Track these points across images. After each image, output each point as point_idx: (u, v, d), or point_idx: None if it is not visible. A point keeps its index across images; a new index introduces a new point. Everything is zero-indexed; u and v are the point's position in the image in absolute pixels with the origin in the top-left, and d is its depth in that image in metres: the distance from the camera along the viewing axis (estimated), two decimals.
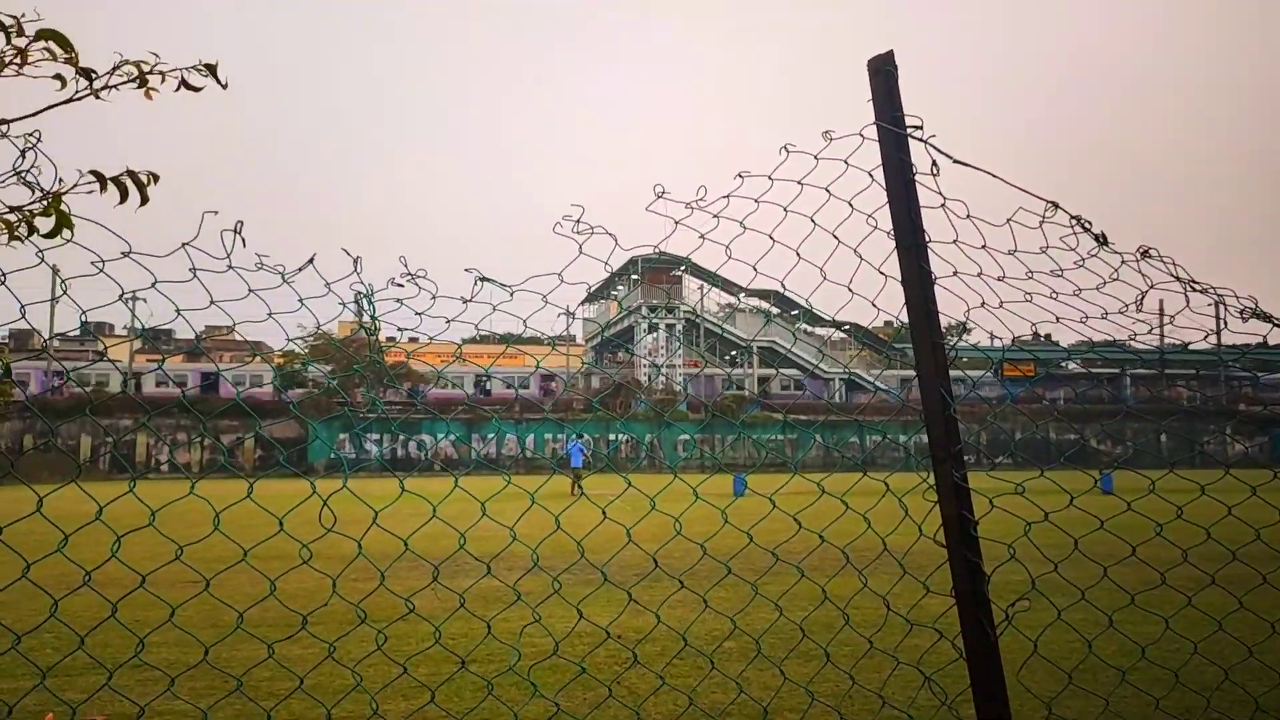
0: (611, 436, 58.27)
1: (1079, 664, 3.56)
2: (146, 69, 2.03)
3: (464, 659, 3.10)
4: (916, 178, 3.34)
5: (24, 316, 2.84)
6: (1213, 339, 3.50)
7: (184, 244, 3.00)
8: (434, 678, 4.45)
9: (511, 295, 3.59)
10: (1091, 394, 68.81)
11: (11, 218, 2.06)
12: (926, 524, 2.92)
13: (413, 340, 3.57)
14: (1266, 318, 3.29)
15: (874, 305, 3.41)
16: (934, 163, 3.30)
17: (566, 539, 3.08)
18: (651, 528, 2.82)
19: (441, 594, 3.63)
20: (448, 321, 3.52)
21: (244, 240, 3.06)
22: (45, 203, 2.10)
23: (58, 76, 1.87)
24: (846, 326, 68.48)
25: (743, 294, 63.03)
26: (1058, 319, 3.41)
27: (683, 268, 62.69)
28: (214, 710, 3.74)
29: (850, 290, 3.42)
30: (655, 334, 66.99)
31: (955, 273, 3.33)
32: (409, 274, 3.48)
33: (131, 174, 2.10)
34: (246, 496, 2.75)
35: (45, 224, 2.32)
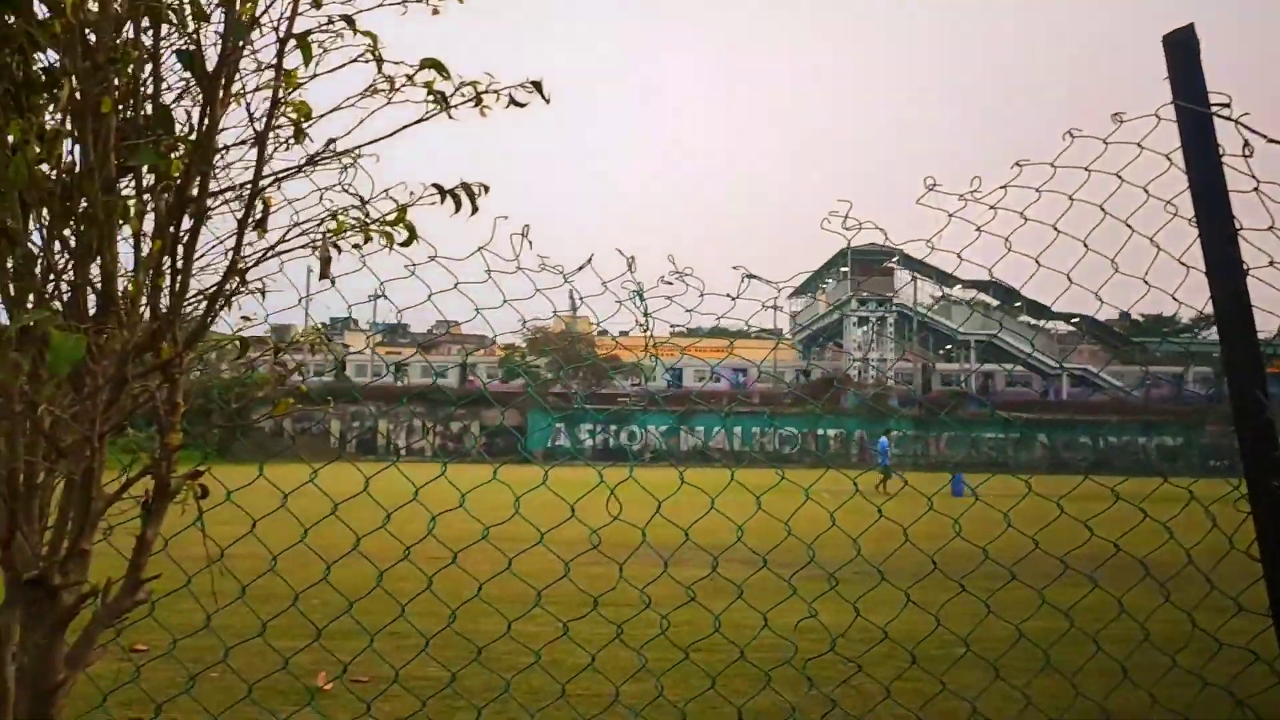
0: (820, 432, 57.41)
1: None
2: (481, 89, 2.22)
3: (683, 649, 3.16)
4: (1224, 159, 3.10)
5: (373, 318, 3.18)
6: None
7: (479, 248, 3.26)
8: (662, 663, 4.62)
9: (779, 291, 3.64)
10: None
11: (375, 229, 2.30)
12: (1229, 542, 2.70)
13: (624, 333, 3.70)
14: None
15: (1174, 299, 3.19)
16: (1246, 143, 3.04)
17: (808, 533, 3.09)
18: (924, 526, 2.77)
19: (671, 583, 3.70)
20: (717, 318, 3.62)
21: (530, 243, 3.27)
22: (395, 214, 2.33)
23: (439, 97, 2.08)
24: (1076, 319, 63.92)
25: (959, 286, 60.26)
26: None
27: (895, 259, 60.69)
28: (461, 676, 4.00)
29: (1146, 282, 3.21)
30: (865, 327, 65.29)
31: (1272, 263, 3.06)
32: (677, 272, 3.60)
33: (465, 186, 2.29)
34: (542, 483, 2.95)
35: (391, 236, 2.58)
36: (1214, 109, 3.11)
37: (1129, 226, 3.23)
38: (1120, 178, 3.25)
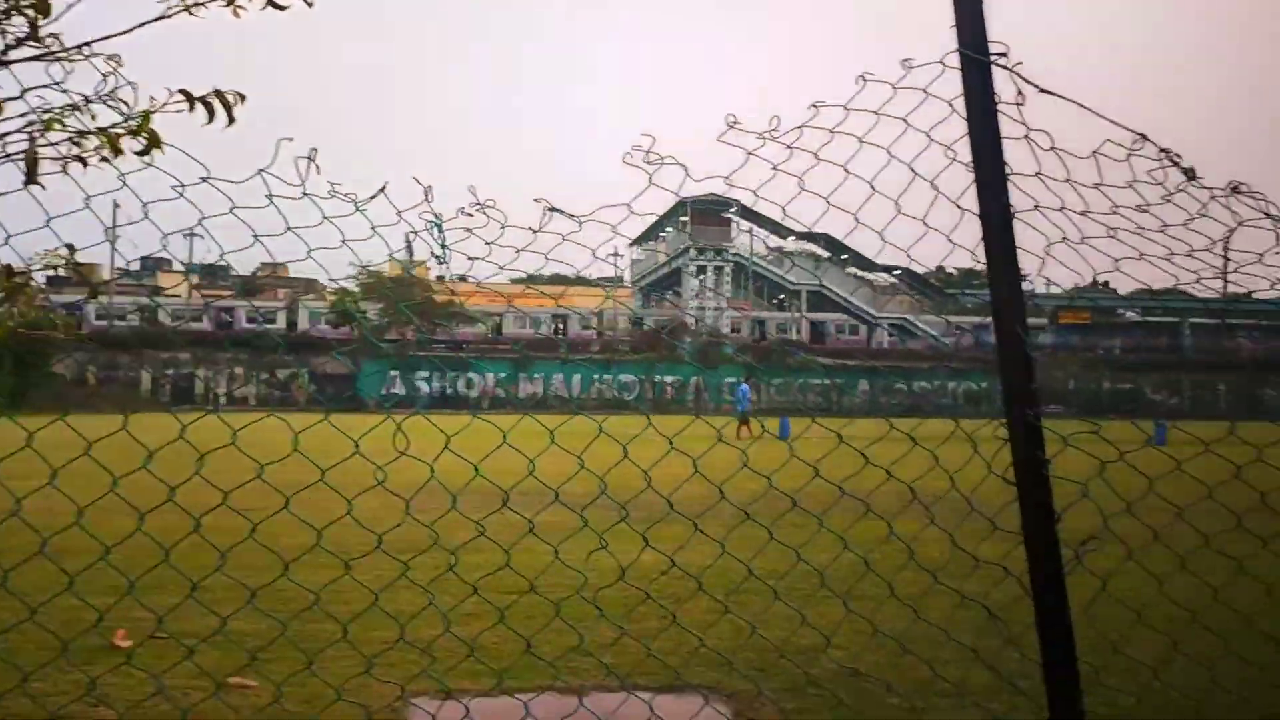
0: (656, 379, 58.43)
1: (1148, 604, 3.54)
2: None
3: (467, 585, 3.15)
4: (999, 107, 3.24)
5: (112, 240, 2.90)
6: None
7: (260, 170, 3.03)
8: (498, 602, 4.59)
9: (580, 226, 3.58)
10: (1150, 343, 67.20)
11: (98, 140, 2.08)
12: (992, 464, 2.90)
13: (461, 279, 3.58)
14: None
15: (950, 240, 3.34)
16: (1019, 91, 3.19)
17: (628, 477, 3.11)
18: (711, 469, 2.85)
19: (472, 526, 3.61)
20: (517, 251, 3.52)
21: (318, 168, 3.07)
22: (134, 123, 2.12)
23: None
24: (898, 271, 67.47)
25: (793, 238, 62.34)
26: (1141, 255, 3.32)
27: (733, 209, 61.95)
28: (291, 623, 3.84)
29: (925, 224, 3.35)
30: (703, 276, 66.61)
31: (1036, 206, 3.24)
32: (478, 204, 3.49)
33: (219, 94, 2.11)
34: (321, 421, 2.81)
35: (121, 148, 2.34)
36: (993, 58, 3.23)
37: (912, 170, 3.35)
38: (906, 122, 3.34)
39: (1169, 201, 3.24)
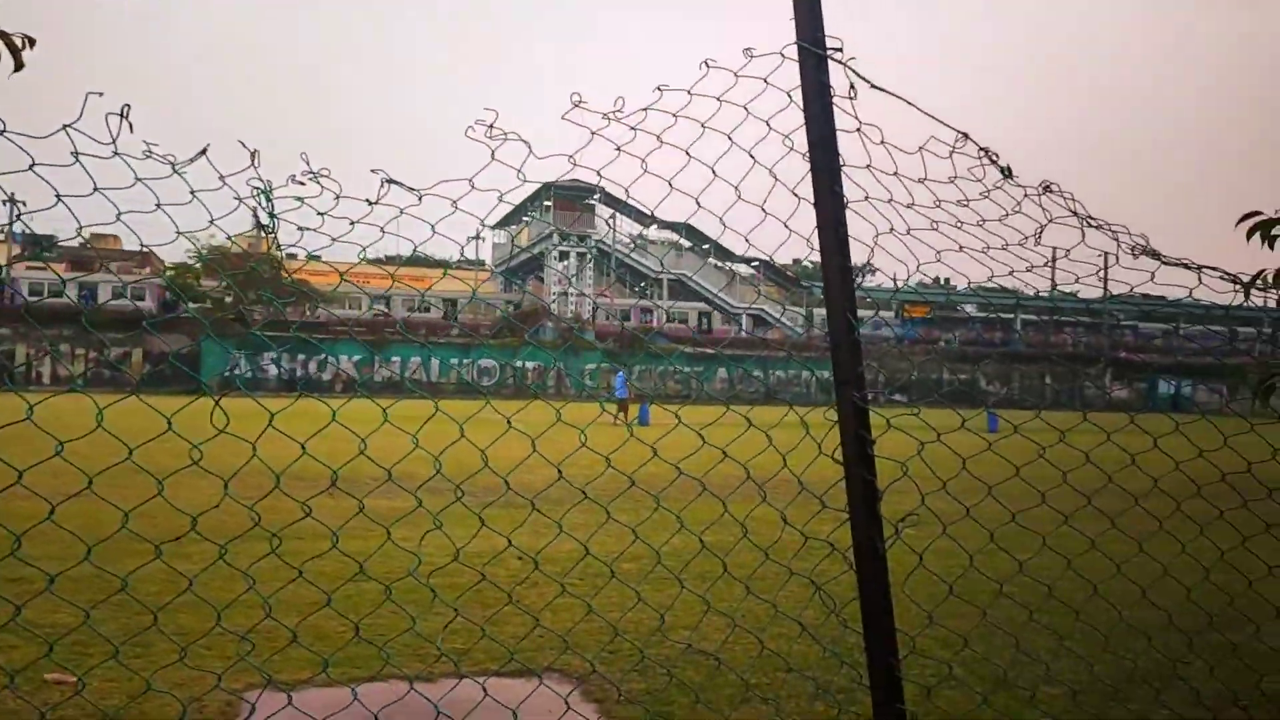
0: (518, 363, 58.01)
1: (960, 577, 3.76)
2: None
3: (306, 561, 3.05)
4: (834, 100, 3.34)
5: None
6: (1102, 277, 3.67)
7: (65, 125, 2.79)
8: (330, 586, 4.44)
9: (420, 199, 3.47)
10: (984, 336, 71.52)
11: None
12: (825, 447, 3.00)
13: (314, 258, 3.42)
14: (1155, 255, 3.44)
15: (786, 226, 3.42)
16: (852, 86, 3.30)
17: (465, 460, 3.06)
18: (558, 452, 2.85)
19: (321, 513, 3.46)
20: (351, 223, 3.38)
21: (131, 125, 2.86)
22: None
23: None
24: (755, 262, 69.16)
25: (654, 225, 62.91)
26: (961, 247, 3.50)
27: (596, 196, 61.99)
28: (96, 611, 3.59)
29: (764, 210, 3.43)
30: (565, 261, 66.47)
31: (867, 197, 3.36)
32: (311, 172, 3.32)
33: (3, 35, 1.93)
34: (131, 394, 2.63)
35: None
36: (828, 52, 3.33)
37: (751, 156, 3.41)
38: (747, 110, 3.40)
39: (987, 198, 3.43)
